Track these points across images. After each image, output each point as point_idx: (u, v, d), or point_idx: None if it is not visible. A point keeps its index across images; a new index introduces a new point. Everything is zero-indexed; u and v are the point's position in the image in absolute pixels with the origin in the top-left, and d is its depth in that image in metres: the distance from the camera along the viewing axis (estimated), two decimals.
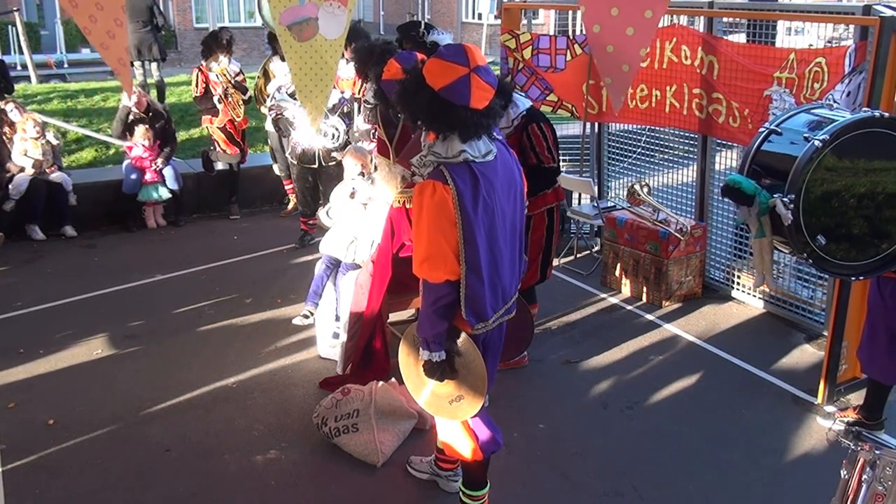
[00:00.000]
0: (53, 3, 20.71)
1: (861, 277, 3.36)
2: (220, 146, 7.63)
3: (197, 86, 7.44)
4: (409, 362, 3.18)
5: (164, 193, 7.32)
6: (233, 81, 7.42)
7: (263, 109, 7.73)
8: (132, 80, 10.31)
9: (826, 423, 4.24)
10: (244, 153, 7.82)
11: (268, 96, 7.18)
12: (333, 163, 6.36)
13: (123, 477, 3.80)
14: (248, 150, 8.11)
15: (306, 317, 5.26)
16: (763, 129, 3.22)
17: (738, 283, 5.87)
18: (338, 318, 4.86)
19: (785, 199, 2.99)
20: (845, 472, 2.47)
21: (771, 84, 4.90)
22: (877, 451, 2.38)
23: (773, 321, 5.53)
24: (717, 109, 5.36)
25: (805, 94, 4.67)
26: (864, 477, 2.39)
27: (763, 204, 3.06)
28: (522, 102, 4.43)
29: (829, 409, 4.37)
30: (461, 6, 26.66)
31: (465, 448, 3.22)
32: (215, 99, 7.39)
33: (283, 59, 7.43)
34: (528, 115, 4.40)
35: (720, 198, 6.03)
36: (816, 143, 2.93)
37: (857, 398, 4.49)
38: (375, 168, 5.08)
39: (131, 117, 7.25)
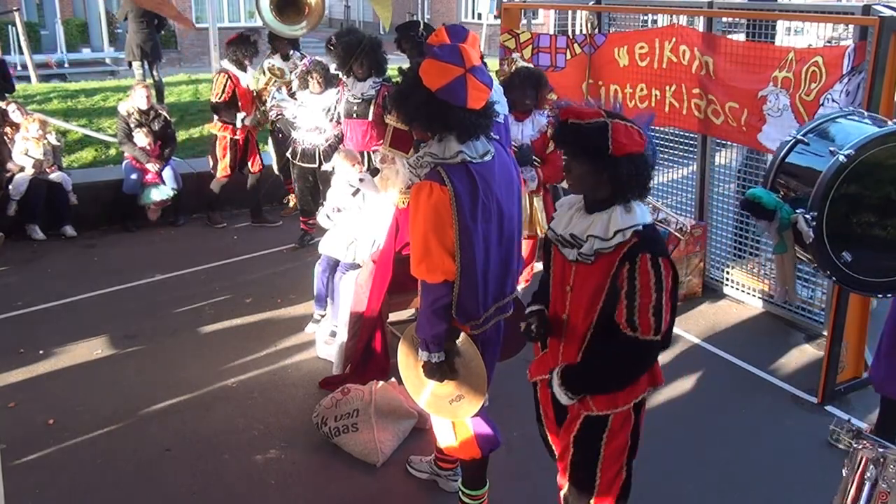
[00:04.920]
0: (53, 3, 20.71)
1: (889, 294, 3.24)
2: (219, 162, 7.27)
3: (223, 91, 6.99)
4: (408, 363, 3.17)
5: (167, 192, 7.30)
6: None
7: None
8: (141, 78, 10.37)
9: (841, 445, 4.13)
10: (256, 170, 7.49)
11: (268, 96, 7.18)
12: None
13: (123, 476, 3.80)
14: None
15: (317, 321, 5.23)
16: (789, 138, 3.12)
17: (738, 283, 5.87)
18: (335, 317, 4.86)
19: (807, 216, 2.89)
20: (846, 471, 2.47)
21: (767, 84, 4.89)
22: (880, 450, 2.38)
23: (773, 321, 5.53)
24: (715, 110, 5.35)
25: (801, 94, 4.66)
26: (867, 475, 2.39)
27: (784, 219, 2.95)
28: (642, 212, 2.53)
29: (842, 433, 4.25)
30: (461, 6, 26.66)
31: (463, 447, 3.22)
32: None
33: (284, 58, 7.44)
34: (645, 236, 2.48)
35: (720, 197, 6.05)
36: (841, 157, 2.85)
37: (856, 398, 4.50)
38: (371, 170, 5.08)
39: (132, 122, 7.24)
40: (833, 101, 4.43)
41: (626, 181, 2.45)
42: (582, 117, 2.46)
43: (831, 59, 4.49)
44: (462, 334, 2.97)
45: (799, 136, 3.10)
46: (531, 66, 5.04)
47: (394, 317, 4.91)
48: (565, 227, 2.59)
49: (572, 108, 2.50)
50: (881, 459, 2.39)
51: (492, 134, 2.95)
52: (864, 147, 2.88)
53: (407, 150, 4.63)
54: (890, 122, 3.12)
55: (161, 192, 7.29)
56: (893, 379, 3.78)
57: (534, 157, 4.86)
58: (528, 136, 4.86)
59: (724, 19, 5.76)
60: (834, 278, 3.02)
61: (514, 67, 4.88)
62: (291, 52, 7.48)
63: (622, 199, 2.48)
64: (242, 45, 7.03)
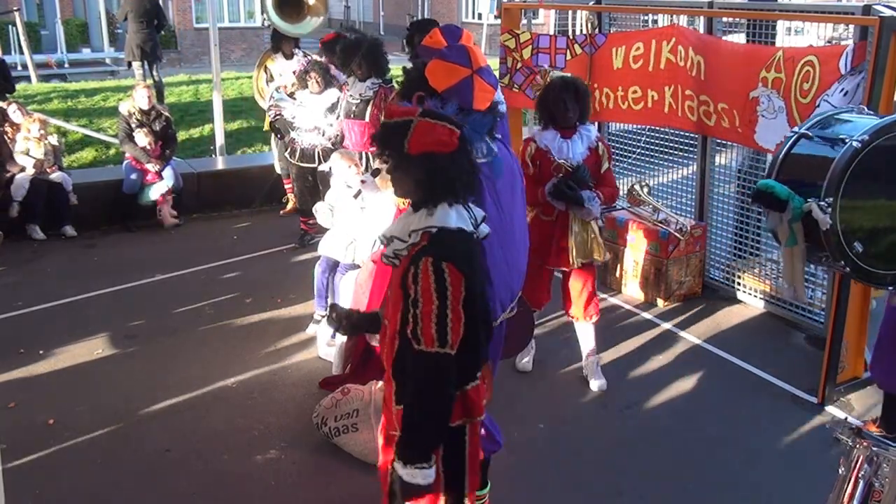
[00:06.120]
0: (53, 3, 20.72)
1: None
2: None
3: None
4: None
5: (164, 186, 7.27)
6: None
7: (261, 103, 7.74)
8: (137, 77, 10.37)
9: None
10: None
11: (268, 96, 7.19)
12: None
13: (123, 477, 3.80)
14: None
15: (317, 322, 5.22)
16: (792, 133, 3.13)
17: (738, 283, 5.87)
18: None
19: (822, 203, 2.88)
20: (843, 469, 2.48)
21: (756, 85, 4.87)
22: (874, 448, 2.39)
23: (773, 321, 5.53)
24: (707, 111, 5.35)
25: (797, 96, 4.64)
26: (861, 473, 2.40)
27: (797, 209, 2.93)
28: (444, 215, 2.39)
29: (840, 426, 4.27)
30: (461, 6, 26.68)
31: None
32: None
33: (286, 56, 7.46)
34: (434, 239, 2.36)
35: (720, 198, 6.05)
36: (855, 143, 2.85)
37: (856, 399, 4.51)
38: (372, 171, 5.08)
39: (133, 122, 7.24)
40: (829, 103, 4.41)
41: (424, 181, 2.34)
42: (392, 115, 2.40)
43: (826, 58, 4.48)
44: None
45: (803, 131, 3.10)
46: (567, 74, 4.47)
47: None
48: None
49: (395, 107, 2.46)
50: (875, 458, 2.39)
51: (496, 134, 2.95)
52: (877, 132, 2.87)
53: None
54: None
55: (159, 188, 7.27)
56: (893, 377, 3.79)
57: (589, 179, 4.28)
58: (579, 154, 4.26)
59: (725, 19, 5.76)
60: (847, 269, 3.01)
61: (548, 79, 4.40)
62: (295, 50, 7.49)
63: (427, 202, 2.36)
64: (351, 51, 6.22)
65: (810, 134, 3.07)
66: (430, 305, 2.25)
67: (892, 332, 3.77)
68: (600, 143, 4.35)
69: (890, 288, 3.32)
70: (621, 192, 6.60)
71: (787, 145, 3.10)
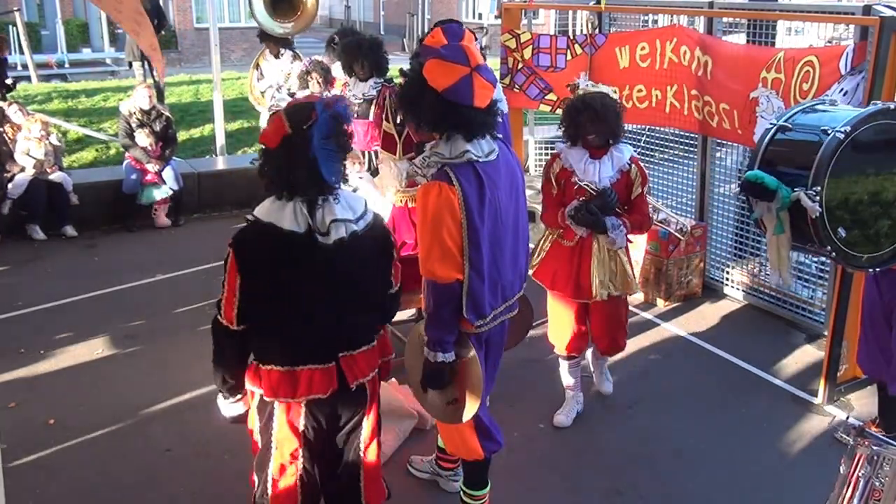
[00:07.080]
0: (54, 3, 20.73)
1: (877, 269, 3.29)
2: None
3: None
4: (416, 364, 3.16)
5: (166, 190, 7.30)
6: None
7: (252, 101, 7.76)
8: (151, 74, 10.36)
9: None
10: None
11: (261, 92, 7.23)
12: None
13: (123, 477, 3.80)
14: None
15: None
16: (770, 126, 3.17)
17: (738, 283, 5.86)
18: None
19: (810, 192, 2.93)
20: (844, 468, 2.48)
21: (757, 86, 4.87)
22: (875, 448, 2.39)
23: (774, 321, 5.53)
24: (710, 111, 5.35)
25: (795, 96, 4.64)
26: (862, 472, 2.40)
27: (785, 199, 2.99)
28: (264, 208, 2.61)
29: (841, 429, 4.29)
30: (461, 6, 26.68)
31: (465, 448, 3.22)
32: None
33: (276, 56, 7.46)
34: (245, 226, 2.62)
35: (720, 198, 6.05)
36: (839, 134, 2.89)
37: (856, 399, 4.51)
38: (371, 169, 5.08)
39: (133, 122, 7.24)
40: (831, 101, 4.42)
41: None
42: None
43: (826, 59, 4.48)
44: (461, 335, 2.96)
45: (782, 122, 3.14)
46: (599, 89, 3.96)
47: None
48: None
49: (311, 95, 2.77)
50: (876, 457, 2.39)
51: (497, 133, 2.95)
52: (858, 123, 2.91)
53: (394, 151, 4.63)
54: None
55: (162, 192, 7.29)
56: (874, 362, 3.85)
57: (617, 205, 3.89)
58: (607, 177, 3.86)
59: (725, 19, 5.76)
60: (833, 254, 3.05)
61: (576, 94, 3.95)
62: (282, 50, 7.47)
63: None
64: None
65: (789, 126, 3.12)
66: (223, 278, 2.59)
67: (869, 319, 3.83)
68: (634, 166, 3.92)
69: (870, 270, 3.39)
70: None
71: (768, 137, 3.15)
